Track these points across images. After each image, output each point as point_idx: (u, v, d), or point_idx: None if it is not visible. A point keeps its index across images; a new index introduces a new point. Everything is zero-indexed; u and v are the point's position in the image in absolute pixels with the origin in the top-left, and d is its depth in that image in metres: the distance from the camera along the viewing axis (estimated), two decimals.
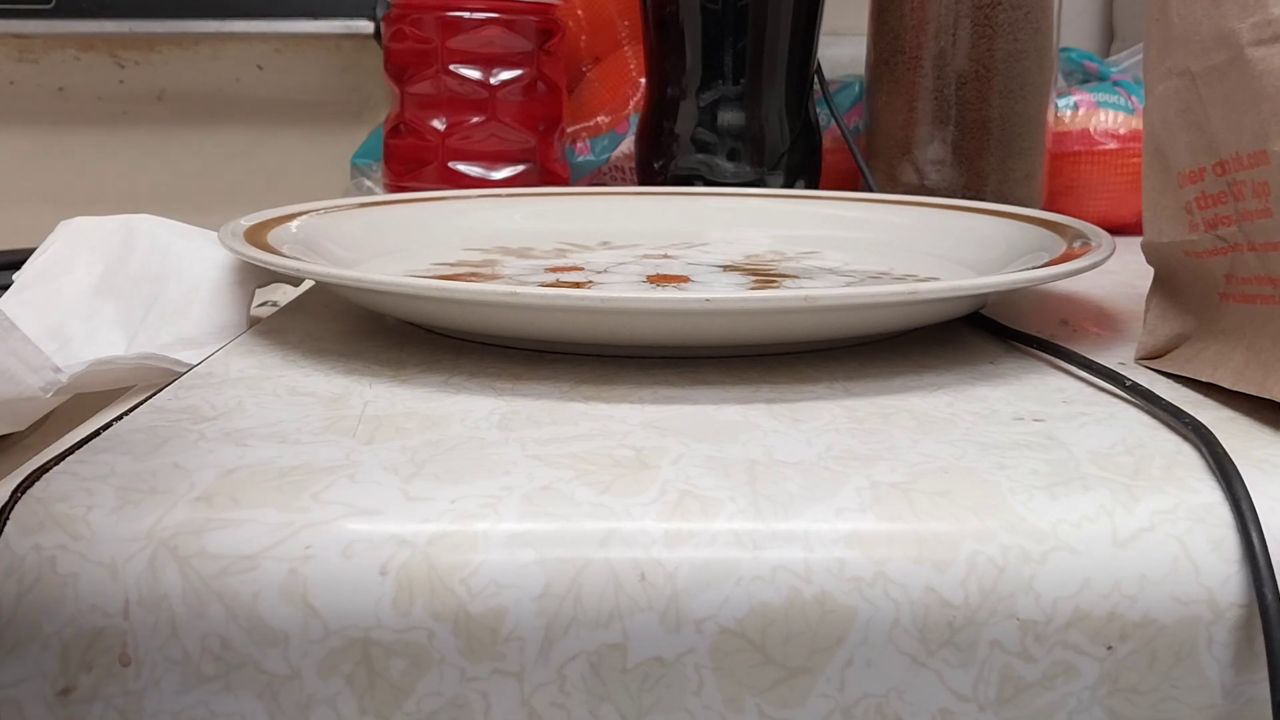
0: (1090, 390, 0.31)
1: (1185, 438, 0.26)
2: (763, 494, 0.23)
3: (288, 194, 0.91)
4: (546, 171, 0.64)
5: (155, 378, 0.32)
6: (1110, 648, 0.22)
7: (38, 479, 0.24)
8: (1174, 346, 0.32)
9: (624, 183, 0.73)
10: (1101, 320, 0.40)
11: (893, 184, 0.63)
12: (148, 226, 0.39)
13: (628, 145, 0.71)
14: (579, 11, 0.74)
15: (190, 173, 0.92)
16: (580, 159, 0.71)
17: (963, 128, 0.60)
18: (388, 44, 0.64)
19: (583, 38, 0.75)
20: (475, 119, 0.61)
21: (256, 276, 0.40)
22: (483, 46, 0.62)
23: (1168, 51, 0.31)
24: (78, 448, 0.26)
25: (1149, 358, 0.33)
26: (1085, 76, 0.72)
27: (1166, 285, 0.33)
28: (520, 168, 0.62)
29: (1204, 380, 0.30)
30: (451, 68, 0.62)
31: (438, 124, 0.61)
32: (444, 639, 0.22)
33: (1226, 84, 0.28)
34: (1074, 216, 0.45)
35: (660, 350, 0.33)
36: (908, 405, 0.29)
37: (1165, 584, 0.22)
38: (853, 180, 0.69)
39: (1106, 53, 0.94)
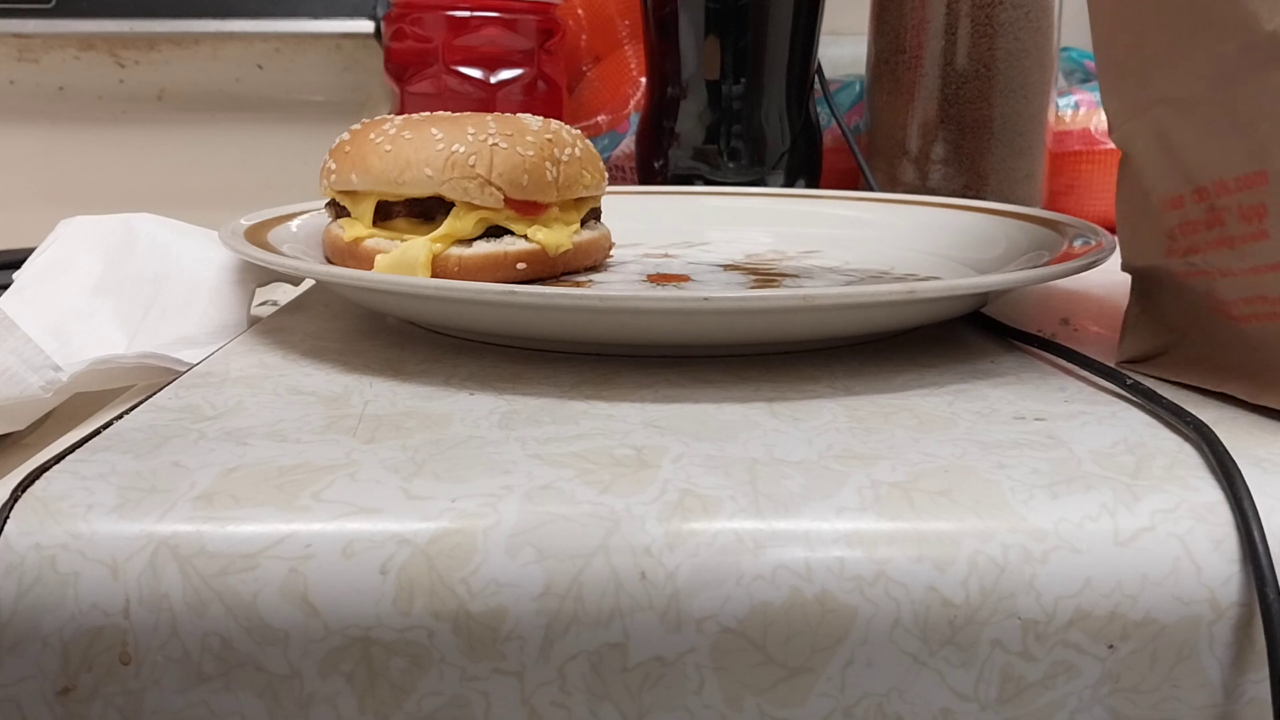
0: (1091, 389, 0.31)
1: (1186, 436, 0.26)
2: (763, 493, 0.23)
3: (288, 194, 0.91)
4: None
5: (155, 377, 0.32)
6: (1111, 647, 0.22)
7: (38, 478, 0.24)
8: (1158, 354, 0.32)
9: (624, 182, 0.72)
10: (1102, 319, 0.40)
11: (893, 184, 0.63)
12: (148, 226, 0.39)
13: (628, 145, 0.71)
14: (579, 11, 0.74)
15: (190, 173, 0.92)
16: None
17: (963, 127, 0.60)
18: (388, 43, 0.64)
19: (583, 37, 0.75)
20: None
21: (256, 276, 0.40)
22: (483, 45, 0.62)
23: (1145, 81, 0.30)
24: (78, 447, 0.26)
25: (1132, 362, 0.33)
26: (1085, 76, 0.72)
27: (1148, 296, 0.33)
28: None
29: (1194, 384, 0.30)
30: (452, 67, 0.62)
31: None
32: (444, 638, 0.22)
33: (1207, 111, 0.28)
34: (1075, 216, 0.45)
35: (660, 349, 0.33)
36: (908, 404, 0.29)
37: (1166, 583, 0.22)
38: (853, 180, 0.69)
39: None
